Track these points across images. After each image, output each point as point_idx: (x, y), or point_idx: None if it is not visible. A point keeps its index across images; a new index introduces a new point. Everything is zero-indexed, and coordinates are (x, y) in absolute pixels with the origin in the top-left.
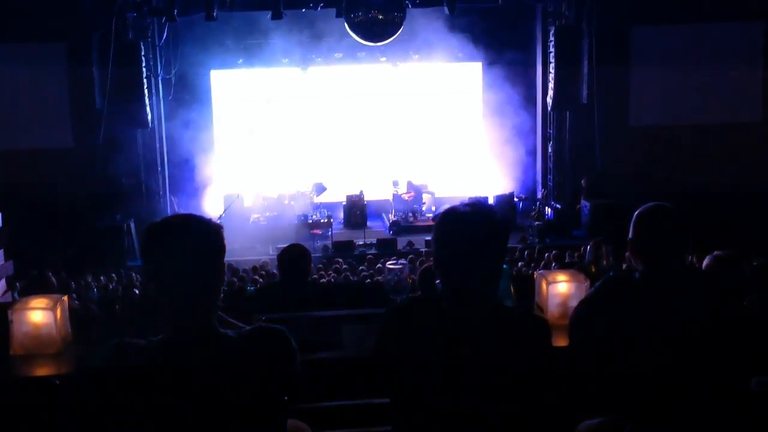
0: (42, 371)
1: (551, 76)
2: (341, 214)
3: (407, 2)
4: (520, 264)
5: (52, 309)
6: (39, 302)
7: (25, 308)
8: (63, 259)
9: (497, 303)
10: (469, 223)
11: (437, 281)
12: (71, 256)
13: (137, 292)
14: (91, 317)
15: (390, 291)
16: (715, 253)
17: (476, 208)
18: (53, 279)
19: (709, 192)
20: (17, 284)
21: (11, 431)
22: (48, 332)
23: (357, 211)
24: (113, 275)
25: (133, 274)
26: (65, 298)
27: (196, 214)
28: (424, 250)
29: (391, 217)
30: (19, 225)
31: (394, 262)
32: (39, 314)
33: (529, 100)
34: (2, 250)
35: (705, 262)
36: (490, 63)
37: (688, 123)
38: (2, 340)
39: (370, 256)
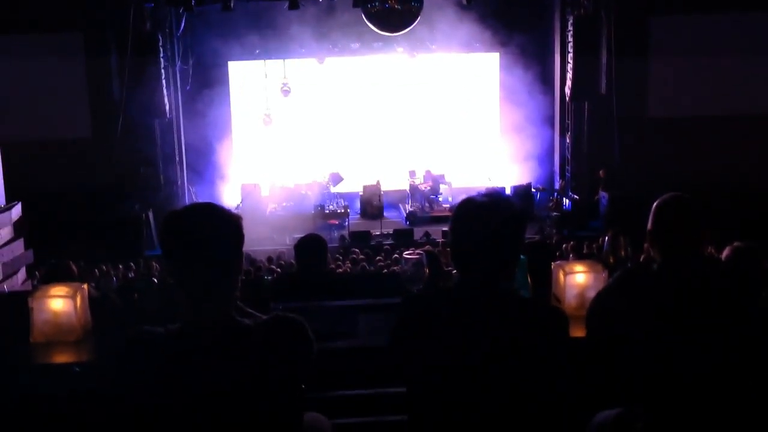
0: (62, 358)
1: (569, 66)
2: (358, 204)
3: None
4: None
5: (72, 297)
6: (59, 290)
7: (46, 296)
8: (82, 248)
9: (514, 293)
10: (486, 213)
11: (447, 267)
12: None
13: (156, 281)
14: (110, 306)
15: (406, 281)
16: (735, 244)
17: (493, 198)
18: (74, 267)
19: (728, 183)
20: (37, 273)
21: (32, 418)
22: (68, 320)
23: (374, 202)
24: (132, 264)
25: (153, 263)
26: (85, 286)
27: (215, 203)
28: (440, 240)
29: (408, 208)
30: (39, 214)
31: (412, 252)
32: (59, 302)
33: (546, 90)
34: (22, 239)
35: (724, 254)
36: (508, 53)
37: (707, 114)
38: (23, 328)
39: (386, 246)
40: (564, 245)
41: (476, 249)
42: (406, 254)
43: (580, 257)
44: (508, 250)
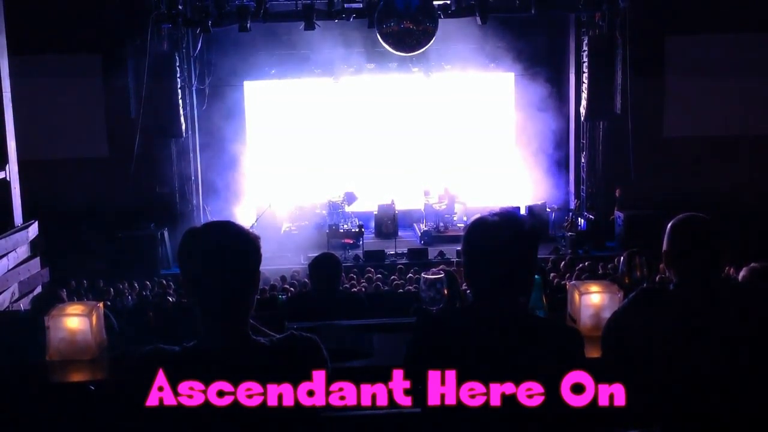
0: (77, 377)
1: (584, 86)
2: (372, 224)
3: (439, 13)
4: (552, 275)
5: (88, 315)
6: (75, 309)
7: (62, 315)
8: (97, 266)
9: (529, 313)
10: (498, 233)
11: (463, 287)
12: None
13: (171, 299)
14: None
15: (426, 302)
16: (752, 265)
17: (504, 217)
18: (64, 296)
19: (744, 203)
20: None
21: None
22: (84, 338)
23: (388, 221)
24: (147, 283)
25: (164, 282)
26: (101, 305)
27: (233, 221)
28: (455, 260)
29: (423, 227)
30: (55, 233)
31: (431, 273)
32: (75, 321)
33: (561, 110)
34: (38, 258)
35: (741, 274)
36: (523, 73)
37: (723, 134)
38: (39, 346)
39: (401, 265)
40: (579, 265)
41: (489, 268)
42: (425, 275)
43: (595, 277)
44: (520, 268)
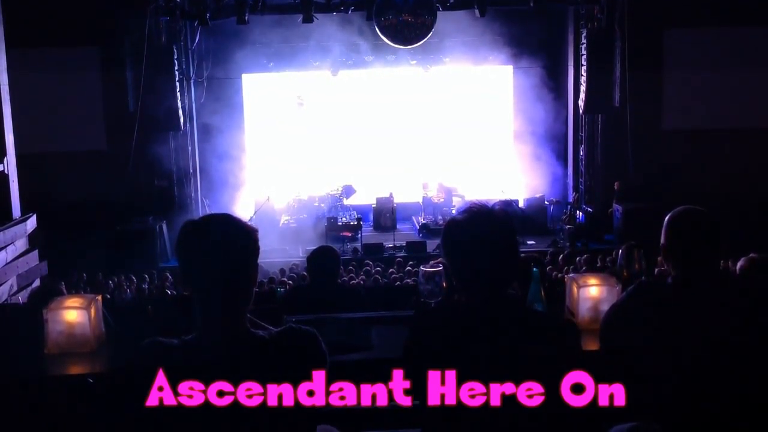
0: (76, 370)
1: (583, 79)
2: (371, 217)
3: (437, 5)
4: (550, 268)
5: (87, 308)
6: (73, 302)
7: (60, 308)
8: (96, 260)
9: (526, 307)
10: (470, 230)
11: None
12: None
13: (169, 292)
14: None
15: (425, 295)
16: (750, 255)
17: (473, 212)
18: (63, 289)
19: (742, 196)
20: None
21: (46, 429)
22: (82, 331)
23: (386, 214)
24: (146, 276)
25: (164, 274)
26: (99, 297)
27: (232, 214)
28: None
29: (421, 220)
30: (53, 226)
31: (433, 264)
32: (73, 313)
33: (560, 103)
34: (36, 251)
35: (739, 264)
36: (521, 66)
37: (721, 127)
38: (37, 340)
39: (399, 258)
40: (578, 258)
41: (470, 266)
42: (423, 268)
43: (594, 270)
44: (500, 259)
